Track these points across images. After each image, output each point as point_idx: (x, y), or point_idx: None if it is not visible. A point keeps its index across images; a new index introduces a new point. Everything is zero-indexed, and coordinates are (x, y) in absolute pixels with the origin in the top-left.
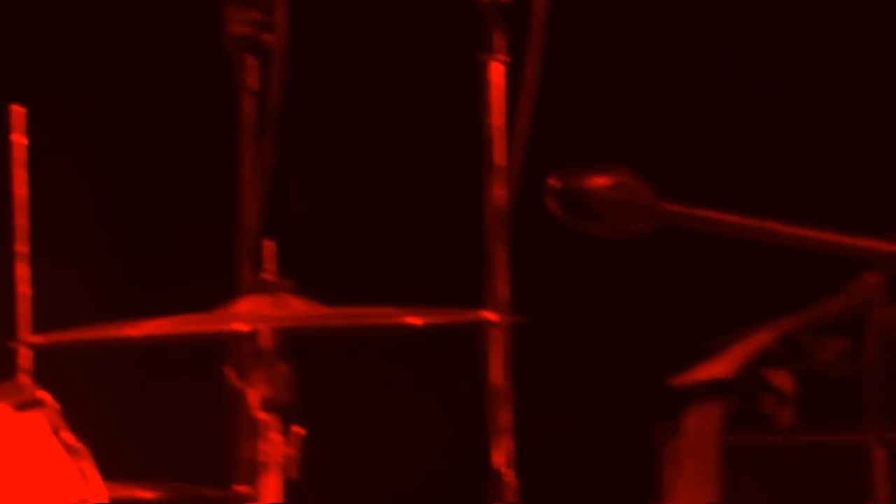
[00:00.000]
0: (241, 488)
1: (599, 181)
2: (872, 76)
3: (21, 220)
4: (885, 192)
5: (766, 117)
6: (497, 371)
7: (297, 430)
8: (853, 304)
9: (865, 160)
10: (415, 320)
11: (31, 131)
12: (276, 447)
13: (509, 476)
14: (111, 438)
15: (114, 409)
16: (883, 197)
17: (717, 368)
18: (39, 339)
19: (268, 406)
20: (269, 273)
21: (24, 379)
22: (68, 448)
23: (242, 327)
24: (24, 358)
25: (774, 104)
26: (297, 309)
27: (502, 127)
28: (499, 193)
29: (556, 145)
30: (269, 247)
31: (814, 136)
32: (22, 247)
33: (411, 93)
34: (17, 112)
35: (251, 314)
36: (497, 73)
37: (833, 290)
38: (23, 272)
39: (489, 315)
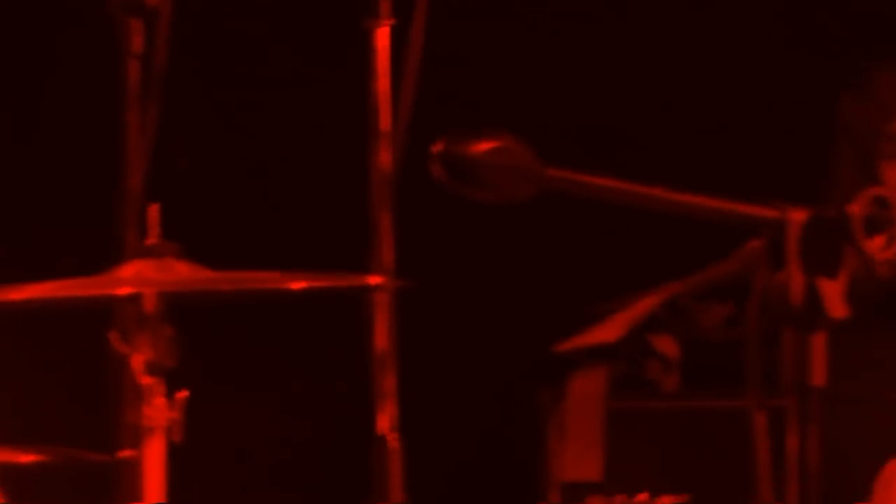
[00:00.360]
0: (125, 453)
1: (482, 146)
2: (757, 43)
3: None
4: (768, 158)
5: (650, 81)
6: (382, 336)
7: (181, 394)
8: (736, 271)
9: (749, 127)
10: (299, 285)
11: None
12: (160, 411)
13: (394, 441)
14: None
15: None
16: (765, 163)
17: (602, 334)
18: None
19: (152, 370)
20: (154, 237)
21: None
22: None
23: (127, 291)
24: None
25: (660, 68)
26: (182, 273)
27: (387, 92)
28: (384, 158)
29: (441, 110)
30: (153, 211)
31: (698, 102)
32: None
33: (297, 57)
34: None
35: (135, 278)
36: (382, 37)
37: (717, 257)
38: None
39: (374, 280)
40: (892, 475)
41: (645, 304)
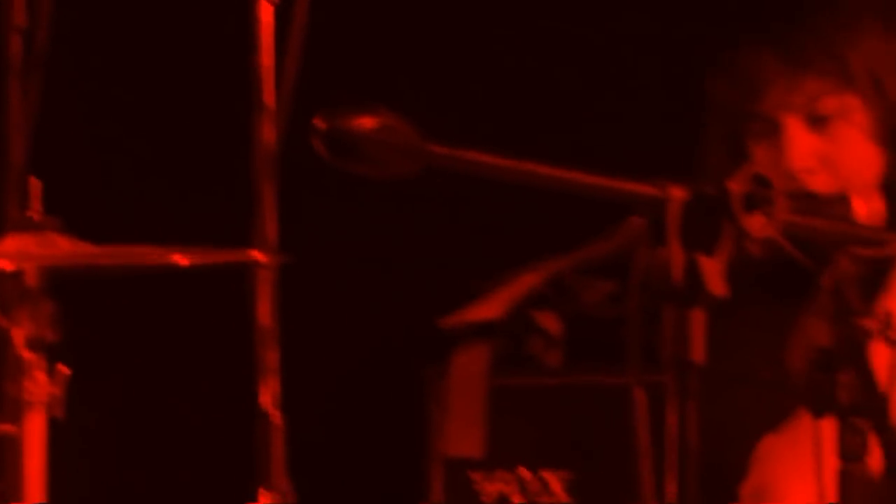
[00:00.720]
0: (5, 427)
1: (364, 122)
2: (636, 16)
3: None
4: (649, 135)
5: (532, 58)
6: (265, 311)
7: (62, 369)
8: (618, 247)
9: (630, 103)
10: (181, 260)
11: None
12: (40, 386)
13: (276, 417)
14: None
15: None
16: (647, 140)
17: (485, 310)
18: None
19: (33, 345)
20: (35, 211)
21: None
22: None
23: (7, 266)
24: None
25: (540, 45)
26: (63, 248)
27: (271, 67)
28: (267, 134)
29: (325, 86)
30: (35, 185)
31: (579, 79)
32: None
33: (180, 31)
34: None
35: (16, 252)
36: (266, 12)
37: (599, 233)
38: None
39: (257, 255)
40: (767, 453)
41: (528, 281)
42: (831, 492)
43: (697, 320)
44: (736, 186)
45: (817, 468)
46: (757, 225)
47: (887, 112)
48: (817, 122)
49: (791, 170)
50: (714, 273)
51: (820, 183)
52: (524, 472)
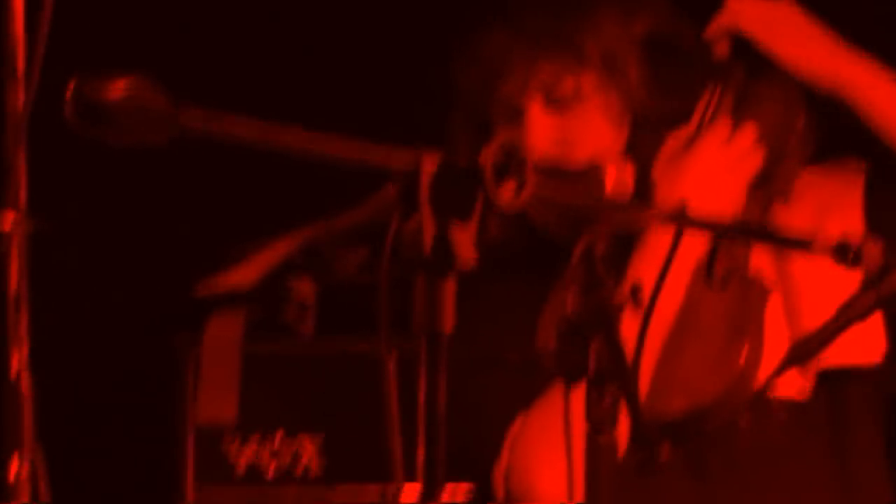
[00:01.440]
0: None
1: (114, 89)
2: None
3: None
4: (405, 103)
5: (291, 27)
6: (14, 278)
7: None
8: (373, 215)
9: (384, 70)
10: None
11: None
12: None
13: (26, 384)
14: None
15: None
16: (403, 108)
17: (239, 277)
18: None
19: None
20: None
21: None
22: None
23: None
24: None
25: (299, 15)
26: None
27: (21, 32)
28: (17, 99)
29: (77, 52)
30: None
31: (335, 47)
32: None
33: None
34: None
35: None
36: None
37: (355, 201)
38: None
39: (7, 222)
40: (518, 436)
41: (282, 248)
42: (579, 462)
43: (448, 290)
44: (487, 157)
45: (567, 440)
46: (507, 196)
47: (626, 92)
48: (556, 103)
49: (535, 149)
50: (465, 243)
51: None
52: (277, 440)
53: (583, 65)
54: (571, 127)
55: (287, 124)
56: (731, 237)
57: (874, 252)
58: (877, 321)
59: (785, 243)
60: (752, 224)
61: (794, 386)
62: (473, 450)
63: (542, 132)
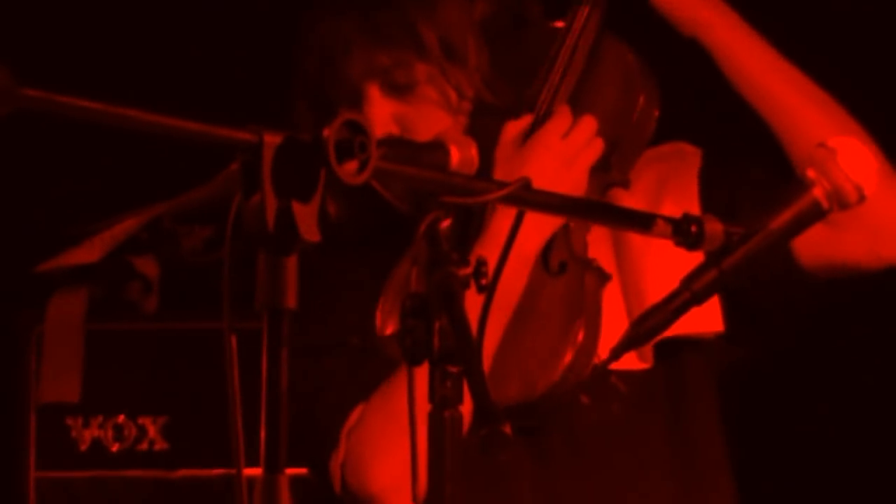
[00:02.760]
0: None
1: None
2: None
3: None
4: (242, 81)
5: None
6: None
7: None
8: (217, 193)
9: (226, 50)
10: None
11: None
12: None
13: None
14: None
15: None
16: (243, 87)
17: (82, 255)
18: None
19: None
20: None
21: None
22: None
23: None
24: None
25: None
26: None
27: None
28: None
29: None
30: None
31: (179, 24)
32: None
33: None
34: None
35: None
36: None
37: (200, 179)
38: None
39: None
40: (357, 426)
41: (126, 225)
42: (423, 441)
43: (290, 267)
44: (329, 133)
45: (410, 419)
46: (350, 171)
47: (465, 78)
48: (396, 89)
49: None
50: (307, 220)
51: None
52: (121, 418)
53: (421, 53)
54: (410, 112)
55: (131, 103)
56: (577, 218)
57: (715, 232)
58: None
59: (627, 225)
60: (595, 205)
61: (633, 357)
62: (310, 439)
63: (380, 117)
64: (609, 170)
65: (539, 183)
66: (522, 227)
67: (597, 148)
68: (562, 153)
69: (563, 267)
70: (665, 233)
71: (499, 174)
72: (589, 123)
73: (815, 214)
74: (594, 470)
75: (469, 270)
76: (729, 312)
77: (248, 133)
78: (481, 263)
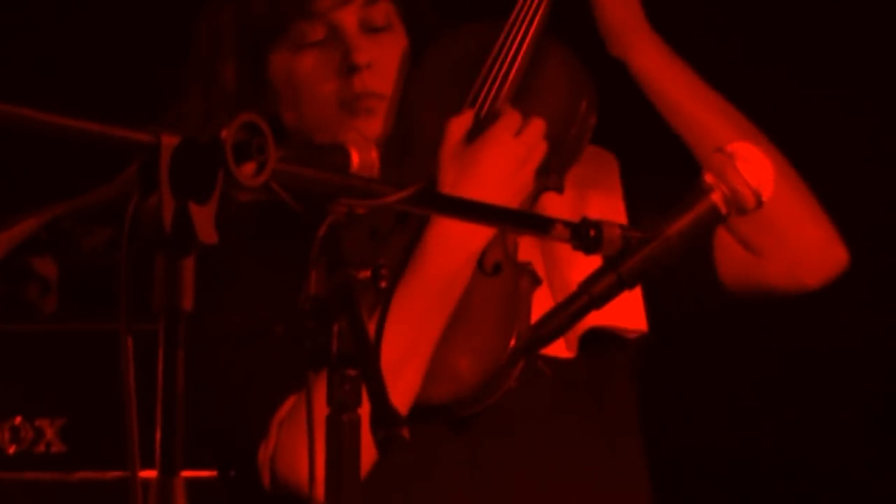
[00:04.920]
0: None
1: None
2: None
3: None
4: (142, 81)
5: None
6: None
7: None
8: (118, 194)
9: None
10: None
11: None
12: None
13: None
14: None
15: None
16: (142, 86)
17: None
18: None
19: None
20: None
21: None
22: None
23: None
24: None
25: None
26: None
27: None
28: None
29: None
30: None
31: (78, 26)
32: None
33: None
34: None
35: None
36: None
37: (102, 180)
38: None
39: None
40: (288, 416)
41: (25, 226)
42: (321, 443)
43: (187, 268)
44: (228, 134)
45: (308, 423)
46: (248, 174)
47: (412, 34)
48: (370, 30)
49: (357, 63)
50: (205, 221)
51: (379, 126)
52: (18, 420)
53: None
54: (383, 54)
55: (26, 102)
56: (476, 222)
57: (613, 236)
58: (636, 292)
59: (526, 228)
60: (490, 209)
61: (560, 345)
62: (237, 430)
63: (361, 44)
64: (549, 173)
65: (492, 181)
66: (469, 224)
67: (543, 150)
68: (515, 153)
69: (497, 268)
70: (563, 236)
71: (447, 173)
72: (539, 124)
73: (714, 219)
74: (521, 453)
75: (368, 273)
76: (650, 315)
77: (146, 134)
78: (379, 266)
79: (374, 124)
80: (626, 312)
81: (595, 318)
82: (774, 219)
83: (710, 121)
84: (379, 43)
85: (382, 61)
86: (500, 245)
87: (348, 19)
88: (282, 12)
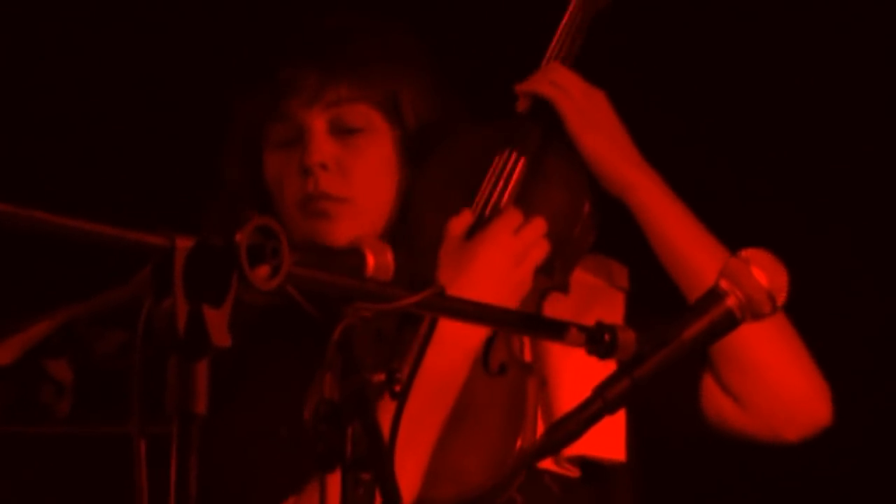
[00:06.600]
0: None
1: None
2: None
3: None
4: (151, 185)
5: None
6: None
7: None
8: (131, 297)
9: (141, 154)
10: None
11: None
12: None
13: None
14: None
15: None
16: (152, 189)
17: None
18: None
19: None
20: None
21: None
22: None
23: None
24: None
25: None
26: None
27: None
28: None
29: None
30: None
31: (87, 129)
32: None
33: None
34: None
35: None
36: None
37: (116, 282)
38: None
39: None
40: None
41: (39, 328)
42: None
43: (201, 372)
44: (242, 237)
45: None
46: (263, 277)
47: (403, 136)
48: (341, 132)
49: (308, 164)
50: (219, 324)
51: (341, 231)
52: None
53: (368, 97)
54: (350, 156)
55: (40, 206)
56: (489, 327)
57: (628, 341)
58: (619, 420)
59: (541, 333)
60: (505, 313)
61: (564, 463)
62: None
63: (321, 146)
64: (552, 273)
65: (487, 279)
66: (466, 322)
67: (544, 249)
68: (512, 250)
69: (502, 368)
70: (578, 341)
71: (445, 270)
72: (539, 224)
73: (729, 324)
74: None
75: (382, 377)
76: (630, 440)
77: (160, 236)
78: (394, 371)
79: (335, 228)
80: (606, 441)
81: (574, 447)
82: (761, 364)
83: (702, 261)
84: (347, 145)
85: (346, 163)
86: (505, 344)
87: (314, 121)
88: (260, 115)
